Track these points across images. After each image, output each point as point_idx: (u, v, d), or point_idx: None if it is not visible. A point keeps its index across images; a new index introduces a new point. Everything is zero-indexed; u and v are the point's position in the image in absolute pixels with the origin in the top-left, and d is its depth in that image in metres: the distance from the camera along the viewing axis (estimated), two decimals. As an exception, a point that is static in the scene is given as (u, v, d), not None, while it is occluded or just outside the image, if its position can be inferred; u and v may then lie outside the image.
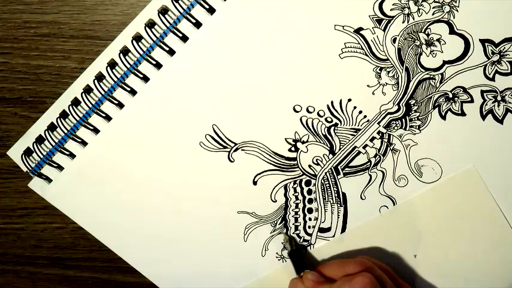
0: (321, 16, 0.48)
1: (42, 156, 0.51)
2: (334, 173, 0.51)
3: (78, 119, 0.50)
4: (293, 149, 0.51)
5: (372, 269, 0.46)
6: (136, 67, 0.49)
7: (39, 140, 0.51)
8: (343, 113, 0.50)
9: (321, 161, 0.51)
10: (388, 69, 0.49)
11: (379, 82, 0.49)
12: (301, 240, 0.52)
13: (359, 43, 0.49)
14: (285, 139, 0.51)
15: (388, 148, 0.50)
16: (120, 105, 0.50)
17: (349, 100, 0.50)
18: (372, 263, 0.47)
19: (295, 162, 0.51)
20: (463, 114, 0.50)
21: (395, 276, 0.48)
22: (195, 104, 0.50)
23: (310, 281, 0.47)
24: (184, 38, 0.49)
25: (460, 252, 0.51)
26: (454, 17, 0.48)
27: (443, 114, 0.50)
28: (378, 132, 0.50)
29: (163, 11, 0.49)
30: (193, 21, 0.49)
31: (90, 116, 0.50)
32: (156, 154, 0.51)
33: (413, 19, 0.48)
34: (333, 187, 0.51)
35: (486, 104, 0.49)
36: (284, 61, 0.49)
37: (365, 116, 0.50)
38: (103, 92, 0.50)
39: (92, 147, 0.51)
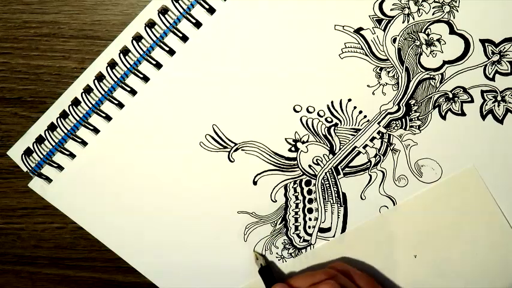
0: (321, 16, 0.48)
1: (42, 156, 0.51)
2: (334, 173, 0.51)
3: (78, 119, 0.50)
4: (293, 149, 0.51)
5: (336, 278, 0.47)
6: (136, 67, 0.49)
7: (39, 140, 0.51)
8: (343, 113, 0.50)
9: (321, 161, 0.51)
10: (388, 69, 0.49)
11: (379, 82, 0.49)
12: (301, 240, 0.52)
13: (359, 43, 0.49)
14: (285, 139, 0.51)
15: (388, 148, 0.50)
16: (120, 105, 0.50)
17: (349, 100, 0.50)
18: (336, 272, 0.48)
19: (295, 162, 0.51)
20: (463, 114, 0.50)
21: (368, 280, 0.49)
22: (195, 104, 0.50)
23: None
24: (184, 38, 0.49)
25: (460, 252, 0.51)
26: (454, 17, 0.48)
27: (443, 114, 0.50)
28: (378, 132, 0.50)
29: (163, 11, 0.49)
30: (193, 21, 0.49)
31: (90, 116, 0.50)
32: (156, 154, 0.51)
33: (413, 19, 0.48)
34: (333, 187, 0.51)
35: (486, 104, 0.49)
36: (284, 61, 0.49)
37: (365, 116, 0.50)
38: (103, 92, 0.50)
39: (92, 147, 0.51)
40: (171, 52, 0.49)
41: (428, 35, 0.48)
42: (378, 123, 0.50)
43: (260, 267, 0.51)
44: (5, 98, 0.52)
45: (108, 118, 0.50)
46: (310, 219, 0.52)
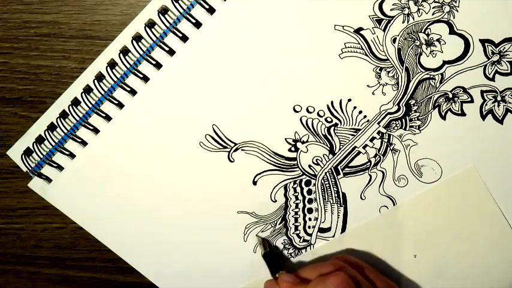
0: (321, 16, 0.48)
1: (42, 156, 0.51)
2: (334, 173, 0.51)
3: (78, 119, 0.50)
4: (293, 149, 0.51)
5: (345, 269, 0.46)
6: (136, 67, 0.49)
7: (39, 140, 0.51)
8: (343, 113, 0.50)
9: (321, 161, 0.51)
10: (388, 69, 0.49)
11: (379, 82, 0.49)
12: (301, 240, 0.52)
13: (359, 43, 0.49)
14: (285, 139, 0.51)
15: (388, 148, 0.50)
16: (120, 105, 0.50)
17: (349, 100, 0.50)
18: (344, 264, 0.47)
19: (295, 162, 0.51)
20: (463, 114, 0.50)
21: (375, 273, 0.48)
22: (195, 104, 0.50)
23: (286, 283, 0.47)
24: (184, 38, 0.49)
25: (460, 252, 0.51)
26: (454, 17, 0.48)
27: (443, 114, 0.50)
28: (378, 132, 0.50)
29: (163, 11, 0.49)
30: (193, 21, 0.49)
31: (90, 116, 0.50)
32: (156, 154, 0.51)
33: (413, 19, 0.48)
34: (333, 187, 0.51)
35: (486, 104, 0.49)
36: (284, 61, 0.49)
37: (365, 116, 0.50)
38: (103, 92, 0.50)
39: (92, 147, 0.51)
40: (171, 52, 0.49)
41: (428, 35, 0.48)
42: (378, 123, 0.50)
43: (264, 252, 0.50)
44: (4, 98, 0.52)
45: (108, 118, 0.50)
46: (310, 219, 0.52)
